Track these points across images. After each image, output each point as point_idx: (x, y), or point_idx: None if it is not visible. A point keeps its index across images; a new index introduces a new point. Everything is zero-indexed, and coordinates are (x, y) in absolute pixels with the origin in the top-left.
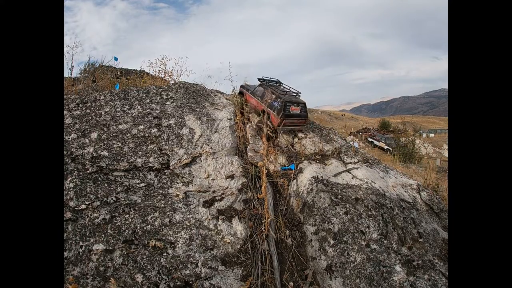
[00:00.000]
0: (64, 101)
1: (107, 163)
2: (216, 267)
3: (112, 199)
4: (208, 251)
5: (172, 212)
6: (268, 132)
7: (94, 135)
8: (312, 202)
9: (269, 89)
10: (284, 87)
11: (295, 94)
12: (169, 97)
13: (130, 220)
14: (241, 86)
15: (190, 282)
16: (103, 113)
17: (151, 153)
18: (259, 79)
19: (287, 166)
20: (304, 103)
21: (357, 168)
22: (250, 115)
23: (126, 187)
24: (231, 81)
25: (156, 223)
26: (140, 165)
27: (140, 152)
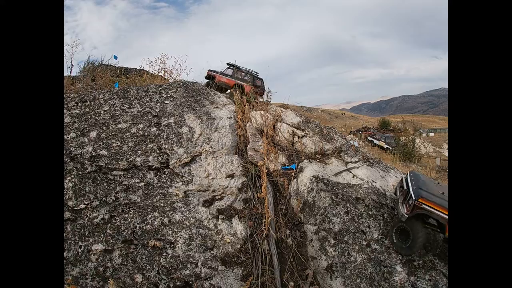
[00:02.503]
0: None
1: (106, 162)
2: (216, 267)
3: (111, 198)
4: (208, 251)
5: (171, 212)
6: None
7: (93, 134)
8: (312, 202)
9: (239, 70)
10: (245, 68)
11: (256, 74)
12: (168, 95)
13: (129, 219)
14: (209, 70)
15: (190, 282)
16: (102, 112)
17: (150, 152)
18: (227, 63)
19: (288, 166)
20: (262, 79)
21: (357, 168)
22: (250, 114)
23: (125, 187)
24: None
25: (155, 222)
26: (139, 164)
27: (139, 151)
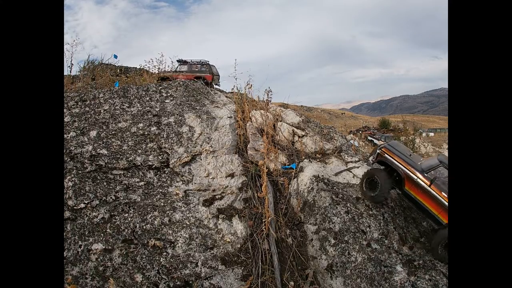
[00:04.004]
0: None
1: (106, 161)
2: (216, 266)
3: (111, 198)
4: (208, 250)
5: (171, 211)
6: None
7: (93, 133)
8: (312, 201)
9: (193, 64)
10: (197, 60)
11: (207, 62)
12: (168, 95)
13: (129, 219)
14: (160, 72)
15: (190, 282)
16: (102, 111)
17: (150, 151)
18: (178, 60)
19: (288, 165)
20: (215, 66)
21: (358, 167)
22: (251, 114)
23: (125, 186)
24: (235, 79)
25: (155, 222)
26: (139, 163)
27: (139, 151)
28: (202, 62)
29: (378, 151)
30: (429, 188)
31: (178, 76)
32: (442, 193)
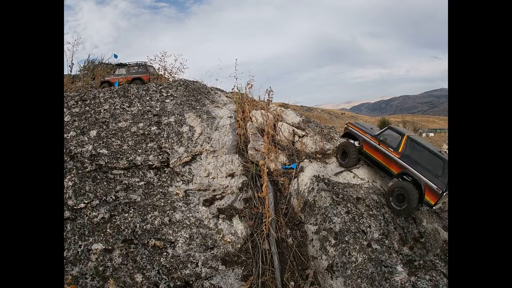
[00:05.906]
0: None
1: (106, 161)
2: (217, 266)
3: (111, 197)
4: (208, 250)
5: (172, 211)
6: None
7: (93, 133)
8: (313, 201)
9: (131, 66)
10: (134, 62)
11: (145, 63)
12: (169, 94)
13: (129, 219)
14: (102, 79)
15: (190, 282)
16: (102, 111)
17: (150, 151)
18: (116, 64)
19: (289, 165)
20: (153, 66)
21: (358, 167)
22: (251, 113)
23: (125, 186)
24: (236, 78)
25: (155, 222)
26: (139, 163)
27: (139, 150)
28: (139, 63)
29: (345, 125)
30: (379, 146)
31: (114, 80)
32: (389, 148)
